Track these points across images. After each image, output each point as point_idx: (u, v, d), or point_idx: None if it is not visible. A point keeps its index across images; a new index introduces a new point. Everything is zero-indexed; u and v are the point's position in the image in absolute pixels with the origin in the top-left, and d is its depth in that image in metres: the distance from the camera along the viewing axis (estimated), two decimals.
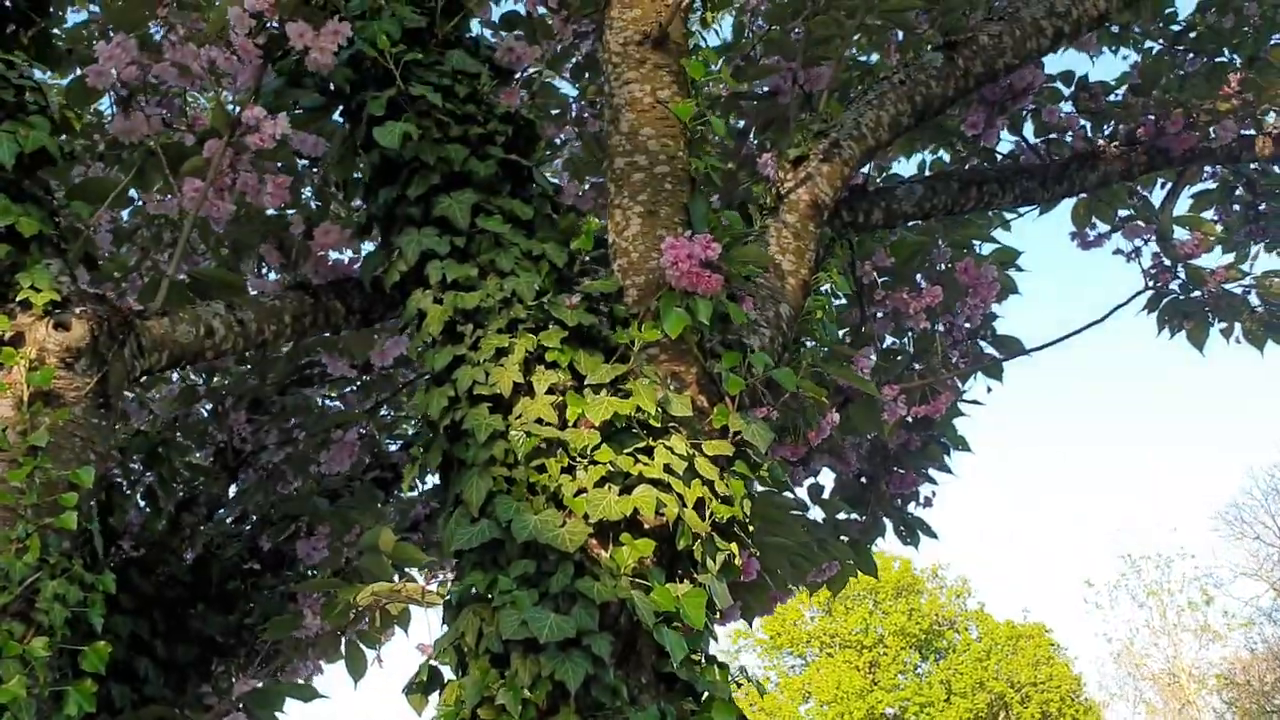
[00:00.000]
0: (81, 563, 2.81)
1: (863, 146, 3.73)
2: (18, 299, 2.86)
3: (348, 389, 6.89)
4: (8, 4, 3.37)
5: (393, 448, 6.49)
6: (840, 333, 4.45)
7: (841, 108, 3.79)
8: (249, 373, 5.46)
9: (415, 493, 6.46)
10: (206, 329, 3.30)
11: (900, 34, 4.50)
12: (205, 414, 5.34)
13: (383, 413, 6.26)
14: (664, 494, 2.87)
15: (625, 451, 2.91)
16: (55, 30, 3.74)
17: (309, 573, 4.73)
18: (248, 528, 5.29)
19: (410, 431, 6.61)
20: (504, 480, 2.91)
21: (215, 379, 5.53)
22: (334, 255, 3.83)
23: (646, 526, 2.88)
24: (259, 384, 5.45)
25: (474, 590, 2.85)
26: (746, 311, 3.20)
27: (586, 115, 4.89)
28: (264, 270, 4.56)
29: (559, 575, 2.74)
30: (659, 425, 2.96)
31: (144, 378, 3.19)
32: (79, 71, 3.60)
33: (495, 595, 2.75)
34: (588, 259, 3.34)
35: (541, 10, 4.18)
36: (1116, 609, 30.44)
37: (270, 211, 3.71)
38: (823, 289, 3.64)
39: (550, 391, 3.00)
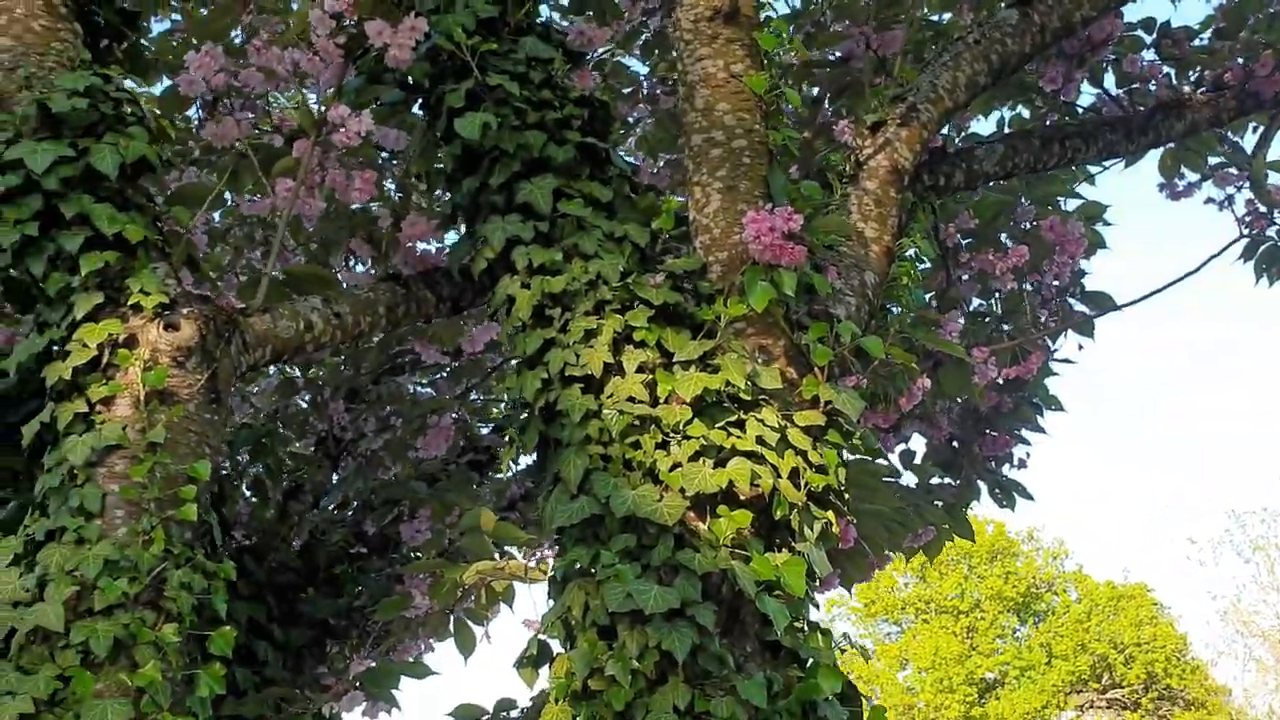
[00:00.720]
0: (203, 552, 2.95)
1: (940, 108, 3.70)
2: (129, 303, 3.00)
3: (438, 376, 7.04)
4: (100, 21, 3.50)
5: (484, 431, 6.62)
6: (926, 297, 4.42)
7: (916, 71, 3.75)
8: (344, 363, 5.62)
9: (509, 474, 6.60)
10: (305, 323, 3.41)
11: None
12: (304, 405, 5.52)
13: (473, 398, 6.39)
14: (758, 465, 2.90)
15: (717, 426, 2.95)
16: (143, 42, 3.87)
17: (413, 555, 4.88)
18: (350, 514, 5.47)
19: (501, 415, 6.74)
20: (600, 458, 2.97)
21: (312, 371, 5.70)
22: (421, 246, 3.92)
23: (742, 498, 2.92)
24: (354, 374, 5.61)
25: (577, 565, 2.93)
26: (831, 281, 3.21)
27: (659, 92, 4.92)
28: (353, 264, 4.70)
29: (660, 548, 2.79)
30: (749, 399, 2.99)
31: (248, 373, 3.31)
32: (169, 81, 3.75)
33: (599, 569, 2.82)
34: (668, 237, 3.37)
35: None
36: (1221, 566, 29.66)
37: (355, 206, 3.81)
38: (907, 254, 3.63)
39: (640, 370, 3.05)
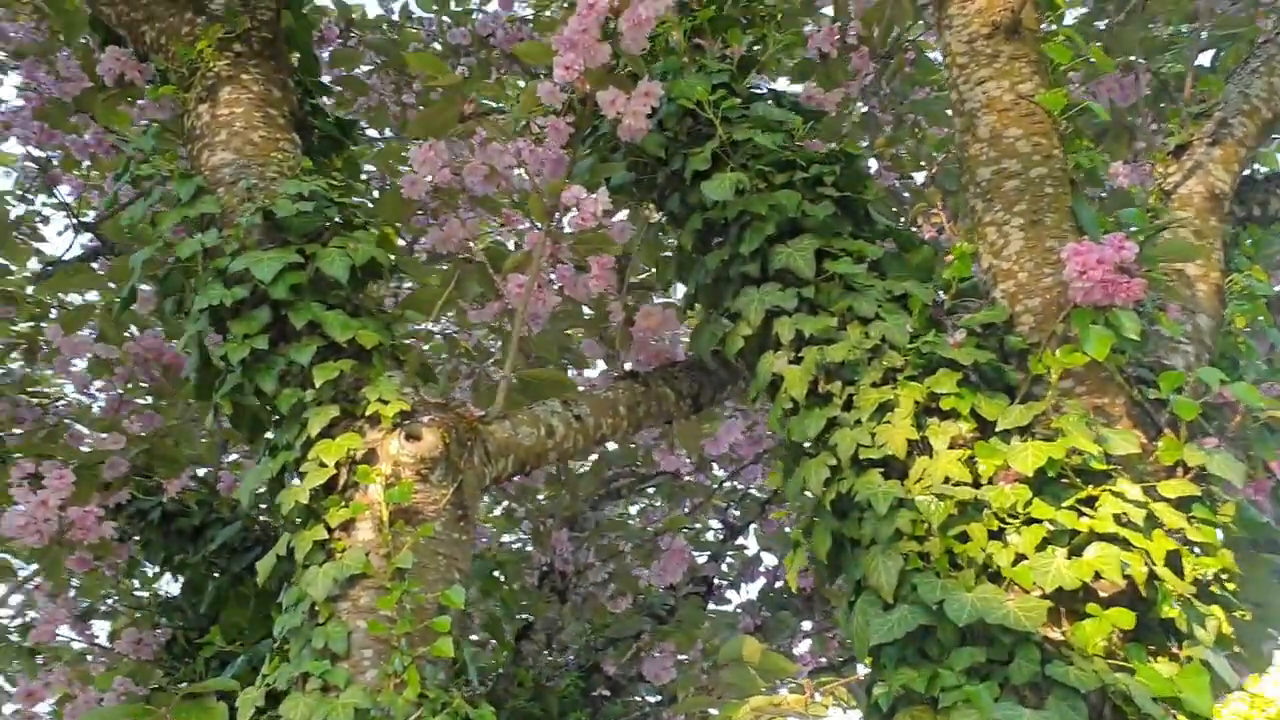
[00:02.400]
0: (460, 695, 2.54)
1: (1257, 121, 3.13)
2: (366, 414, 2.69)
3: (651, 502, 6.61)
4: (317, 131, 3.36)
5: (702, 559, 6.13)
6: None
7: (1220, 81, 3.20)
8: (561, 489, 5.27)
9: (731, 606, 6.05)
10: (547, 429, 3.06)
11: None
12: (525, 536, 5.18)
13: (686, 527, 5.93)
14: (1125, 551, 2.30)
15: (1064, 505, 2.38)
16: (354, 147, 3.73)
17: (659, 693, 4.37)
18: (571, 655, 5.03)
19: (718, 540, 6.24)
20: (917, 556, 2.44)
21: (530, 500, 5.38)
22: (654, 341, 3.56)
23: (1104, 594, 2.32)
24: (573, 501, 5.24)
25: (904, 689, 2.37)
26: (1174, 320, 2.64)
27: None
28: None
29: (1021, 662, 2.21)
30: (1100, 469, 2.42)
31: (492, 486, 2.95)
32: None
33: (940, 693, 2.25)
34: (955, 293, 2.88)
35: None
36: None
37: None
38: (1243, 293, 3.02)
39: (953, 445, 2.53)
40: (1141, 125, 4.05)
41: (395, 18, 5.75)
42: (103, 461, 3.39)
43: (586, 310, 3.69)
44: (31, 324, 6.50)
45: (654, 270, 3.70)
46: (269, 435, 2.80)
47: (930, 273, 2.98)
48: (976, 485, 2.46)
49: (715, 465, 5.72)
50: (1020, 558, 2.34)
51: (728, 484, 6.04)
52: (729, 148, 2.98)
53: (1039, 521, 2.36)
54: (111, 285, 4.31)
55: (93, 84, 4.56)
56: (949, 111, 4.80)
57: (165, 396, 4.12)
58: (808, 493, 2.69)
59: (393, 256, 3.06)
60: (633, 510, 6.73)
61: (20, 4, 4.74)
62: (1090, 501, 2.39)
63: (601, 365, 3.78)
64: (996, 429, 2.51)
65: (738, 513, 6.14)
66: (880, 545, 2.49)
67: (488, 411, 2.98)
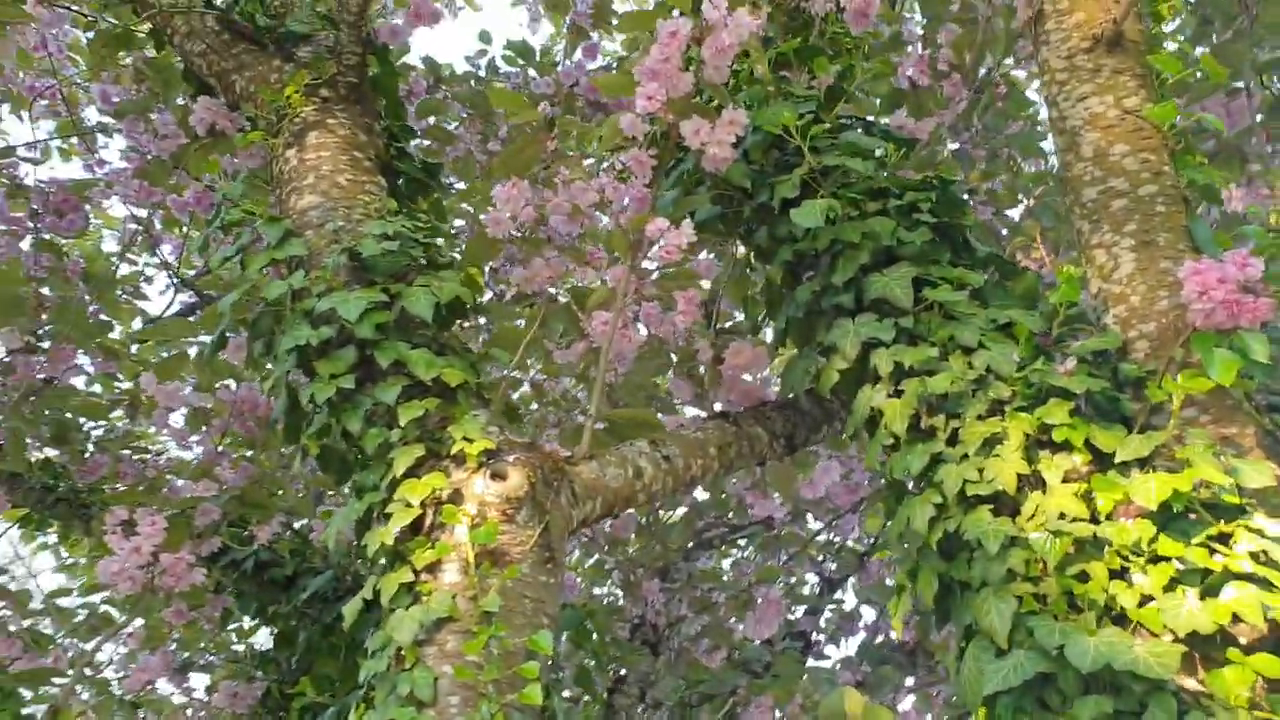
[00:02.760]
0: None
1: None
2: (451, 453, 2.64)
3: (744, 553, 6.45)
4: (402, 174, 3.37)
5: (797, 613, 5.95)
6: None
7: None
8: (651, 540, 5.16)
9: (830, 662, 5.83)
10: (635, 470, 2.97)
11: None
12: (616, 588, 5.08)
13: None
14: (1266, 593, 2.11)
15: (1194, 542, 2.20)
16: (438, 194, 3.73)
17: None
18: (665, 711, 4.88)
19: (815, 592, 6.05)
20: (1032, 598, 2.27)
21: (620, 552, 5.27)
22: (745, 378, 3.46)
23: (1243, 640, 2.13)
24: (664, 552, 5.12)
25: None
26: None
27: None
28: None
29: (1156, 712, 2.02)
30: (1231, 503, 2.23)
31: (579, 528, 2.86)
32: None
33: None
34: (1056, 320, 2.73)
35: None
36: None
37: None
38: None
39: (1067, 479, 2.37)
40: (1254, 147, 3.84)
41: (482, 73, 5.82)
42: (195, 508, 3.40)
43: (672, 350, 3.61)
44: (134, 381, 6.68)
45: (741, 310, 3.61)
46: (356, 478, 2.77)
47: (1035, 300, 2.84)
48: (1094, 521, 2.30)
49: (810, 516, 5.56)
50: (1147, 599, 2.17)
51: (823, 536, 5.86)
52: (818, 175, 2.89)
53: (1166, 559, 2.19)
54: (206, 336, 4.38)
55: (188, 140, 4.70)
56: (1044, 144, 4.67)
57: (259, 448, 4.15)
58: (912, 533, 2.55)
59: (477, 296, 3.04)
60: (726, 563, 6.57)
61: (123, 67, 4.91)
62: (1223, 538, 2.21)
63: (690, 407, 3.69)
64: (1114, 461, 2.34)
65: (834, 566, 5.95)
66: (991, 587, 2.33)
67: (574, 452, 2.91)
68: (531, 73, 5.80)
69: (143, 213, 5.82)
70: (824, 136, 3.05)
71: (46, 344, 4.52)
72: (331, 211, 3.05)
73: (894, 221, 2.86)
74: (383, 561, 2.59)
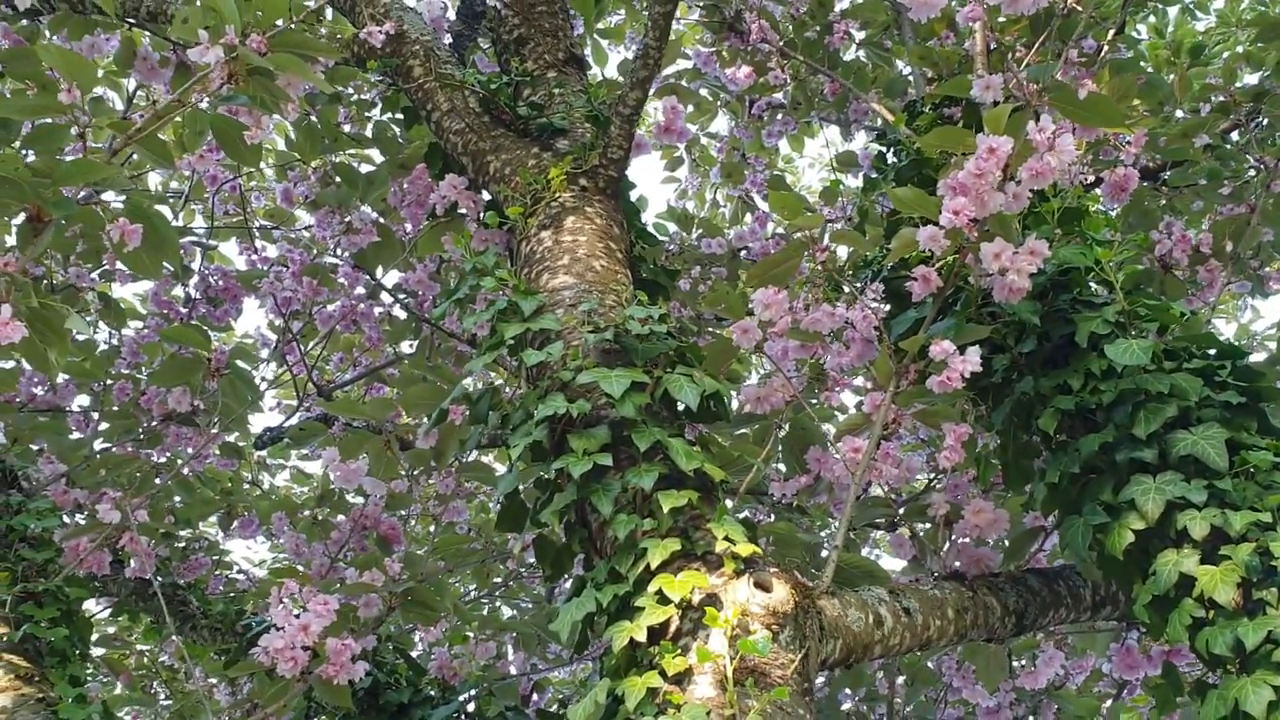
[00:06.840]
0: None
1: None
2: (702, 554, 2.36)
3: None
4: (642, 278, 3.24)
5: None
6: None
7: None
8: None
9: None
10: (875, 617, 2.65)
11: None
12: None
13: None
14: None
15: None
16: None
17: None
18: None
19: None
20: None
21: None
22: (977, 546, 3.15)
23: None
24: None
25: None
26: None
27: None
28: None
29: None
30: None
31: (822, 668, 2.53)
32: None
33: None
34: None
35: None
36: None
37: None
38: None
39: None
40: None
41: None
42: (359, 597, 3.11)
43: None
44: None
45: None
46: (595, 567, 2.48)
47: None
48: None
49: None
50: None
51: None
52: (1126, 317, 2.69)
53: None
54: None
55: (380, 239, 4.66)
56: None
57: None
58: (1242, 717, 2.19)
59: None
60: None
61: (313, 167, 4.91)
62: None
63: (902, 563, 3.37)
64: None
65: None
66: None
67: (817, 583, 2.61)
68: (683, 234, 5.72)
69: (279, 321, 5.68)
70: (1128, 281, 2.87)
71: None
72: (586, 293, 2.90)
73: (1200, 379, 2.63)
74: (620, 664, 2.27)
